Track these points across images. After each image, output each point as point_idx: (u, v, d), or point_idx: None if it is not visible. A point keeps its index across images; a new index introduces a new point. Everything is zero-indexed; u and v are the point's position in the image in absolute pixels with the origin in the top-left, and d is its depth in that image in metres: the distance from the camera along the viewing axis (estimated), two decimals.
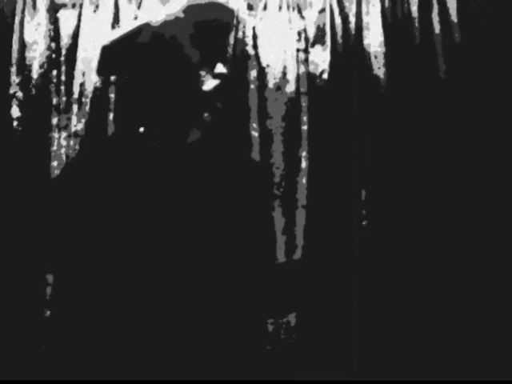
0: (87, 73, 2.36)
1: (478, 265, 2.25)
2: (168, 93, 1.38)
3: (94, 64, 2.34)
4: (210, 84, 1.39)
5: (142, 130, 1.43)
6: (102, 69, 1.43)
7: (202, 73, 1.39)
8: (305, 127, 2.34)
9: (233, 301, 1.39)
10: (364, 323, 2.23)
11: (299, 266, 2.14)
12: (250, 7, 2.41)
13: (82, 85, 2.35)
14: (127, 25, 1.45)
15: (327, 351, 2.22)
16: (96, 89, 2.35)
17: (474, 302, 2.24)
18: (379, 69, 2.34)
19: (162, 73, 1.37)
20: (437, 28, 2.34)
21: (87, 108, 2.34)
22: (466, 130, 2.30)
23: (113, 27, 2.37)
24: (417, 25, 2.34)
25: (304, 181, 2.31)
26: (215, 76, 1.40)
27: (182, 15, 1.39)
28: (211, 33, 1.41)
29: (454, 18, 2.34)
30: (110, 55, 1.39)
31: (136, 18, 2.35)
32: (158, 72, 1.37)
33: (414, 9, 2.36)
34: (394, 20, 2.36)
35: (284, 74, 2.37)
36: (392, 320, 2.24)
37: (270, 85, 2.36)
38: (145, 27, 1.38)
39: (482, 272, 2.24)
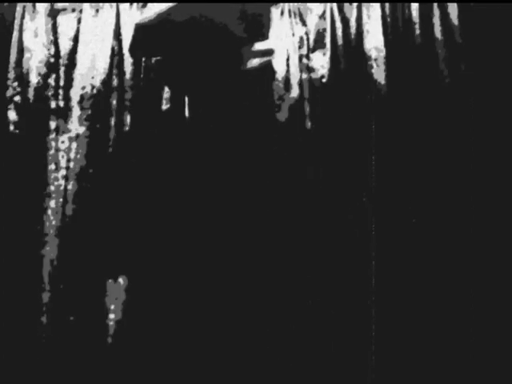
0: (87, 77, 2.35)
1: (482, 272, 2.25)
2: (212, 72, 1.33)
3: (97, 66, 2.33)
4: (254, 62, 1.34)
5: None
6: (137, 49, 1.38)
7: (247, 50, 1.34)
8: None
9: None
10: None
11: None
12: None
13: (82, 88, 2.34)
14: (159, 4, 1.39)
15: None
16: (96, 93, 2.33)
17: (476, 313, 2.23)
18: (379, 73, 2.34)
19: (203, 52, 1.32)
20: (437, 32, 2.35)
21: (88, 112, 2.32)
22: (467, 133, 2.30)
23: (115, 34, 2.36)
24: (417, 29, 2.35)
25: None
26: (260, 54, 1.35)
27: None
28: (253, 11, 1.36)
29: (454, 22, 2.34)
30: (147, 35, 1.34)
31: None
32: (199, 51, 1.32)
33: (415, 14, 2.37)
34: (394, 25, 2.37)
35: (287, 79, 2.36)
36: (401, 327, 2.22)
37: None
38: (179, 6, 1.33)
39: (485, 276, 2.24)
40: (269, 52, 1.39)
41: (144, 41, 1.36)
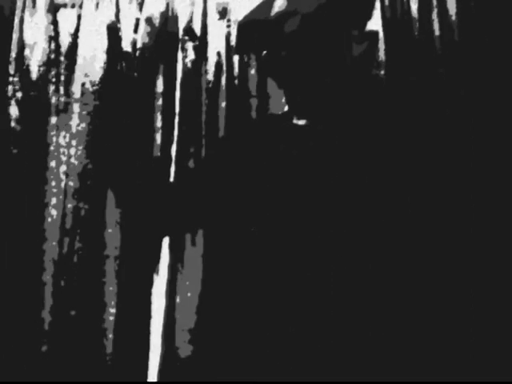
0: (87, 73, 2.36)
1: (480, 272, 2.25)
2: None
3: (98, 61, 2.34)
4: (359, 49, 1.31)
5: None
6: (242, 46, 1.36)
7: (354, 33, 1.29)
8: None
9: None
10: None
11: None
12: None
13: (83, 84, 2.35)
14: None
15: None
16: (97, 88, 2.34)
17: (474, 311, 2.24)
18: (379, 70, 2.34)
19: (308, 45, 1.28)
20: (436, 28, 2.33)
21: (89, 107, 2.33)
22: (467, 131, 2.30)
23: (115, 30, 2.37)
24: (416, 25, 2.34)
25: None
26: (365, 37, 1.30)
27: None
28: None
29: (453, 18, 2.33)
30: (249, 32, 1.32)
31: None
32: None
33: (414, 9, 2.35)
34: (393, 20, 2.35)
35: None
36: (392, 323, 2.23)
37: None
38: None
39: (485, 276, 2.24)
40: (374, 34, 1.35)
41: (249, 37, 1.34)
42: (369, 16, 1.36)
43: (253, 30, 1.33)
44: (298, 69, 1.32)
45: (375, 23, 1.26)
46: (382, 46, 2.34)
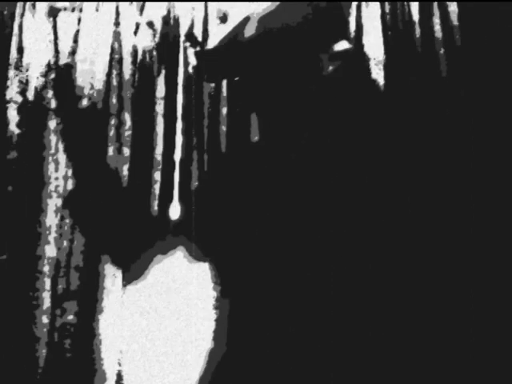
0: (86, 76, 2.35)
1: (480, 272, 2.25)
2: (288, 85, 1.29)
3: (97, 65, 2.34)
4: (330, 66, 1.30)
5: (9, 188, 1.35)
6: (212, 75, 1.36)
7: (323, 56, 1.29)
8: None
9: None
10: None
11: None
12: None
13: (82, 88, 2.34)
14: (232, 23, 1.36)
15: None
16: (96, 92, 2.33)
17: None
18: (378, 73, 2.35)
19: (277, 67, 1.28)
20: (438, 32, 2.35)
21: (87, 111, 2.32)
22: (468, 134, 2.31)
23: (113, 36, 2.37)
24: (417, 29, 2.35)
25: None
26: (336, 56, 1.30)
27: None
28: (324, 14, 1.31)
29: (455, 22, 2.34)
30: (217, 59, 1.32)
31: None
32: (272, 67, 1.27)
33: (415, 13, 2.37)
34: (394, 24, 2.37)
35: None
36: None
37: None
38: (248, 21, 1.29)
39: (486, 276, 2.24)
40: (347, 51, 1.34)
41: (217, 65, 1.33)
42: (343, 35, 1.36)
43: (223, 56, 1.33)
44: (270, 93, 1.32)
45: (346, 42, 1.26)
46: (381, 50, 2.36)
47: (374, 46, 2.35)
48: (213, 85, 2.28)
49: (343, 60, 1.33)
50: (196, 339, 2.07)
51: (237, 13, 2.33)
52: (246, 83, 1.32)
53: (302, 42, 1.28)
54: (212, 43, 1.29)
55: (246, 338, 1.35)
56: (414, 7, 2.36)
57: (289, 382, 1.33)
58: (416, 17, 2.35)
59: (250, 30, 1.28)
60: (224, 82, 2.28)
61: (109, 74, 2.34)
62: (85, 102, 2.31)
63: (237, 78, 1.32)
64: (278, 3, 1.29)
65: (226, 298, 1.39)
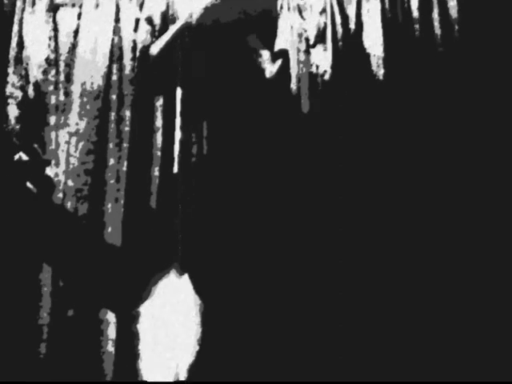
0: (87, 72, 2.35)
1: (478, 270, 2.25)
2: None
3: (97, 60, 2.34)
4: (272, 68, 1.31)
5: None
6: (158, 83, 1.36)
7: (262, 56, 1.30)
8: None
9: None
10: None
11: None
12: None
13: (82, 83, 2.34)
14: (169, 30, 1.37)
15: None
16: (96, 88, 2.33)
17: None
18: (378, 68, 2.34)
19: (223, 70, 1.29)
20: (437, 28, 2.34)
21: (88, 107, 2.32)
22: (466, 130, 2.31)
23: (113, 31, 2.37)
24: (417, 25, 2.34)
25: None
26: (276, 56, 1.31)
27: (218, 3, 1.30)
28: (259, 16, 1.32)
29: (454, 17, 2.34)
30: (159, 64, 1.32)
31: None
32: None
33: (414, 9, 2.36)
34: (393, 20, 2.36)
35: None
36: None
37: None
38: (186, 28, 1.30)
39: (486, 276, 2.24)
40: (283, 53, 1.36)
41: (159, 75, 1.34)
42: (274, 35, 1.37)
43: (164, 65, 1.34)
44: (214, 97, 1.33)
45: (284, 41, 1.25)
46: (380, 46, 2.36)
47: (374, 41, 2.35)
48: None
49: (283, 59, 1.35)
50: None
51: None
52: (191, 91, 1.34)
53: (238, 43, 1.30)
54: (156, 49, 1.30)
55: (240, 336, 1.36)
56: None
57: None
58: (415, 13, 2.35)
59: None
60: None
61: (109, 70, 2.34)
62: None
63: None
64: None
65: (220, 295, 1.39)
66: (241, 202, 1.44)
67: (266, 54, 1.33)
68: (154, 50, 1.33)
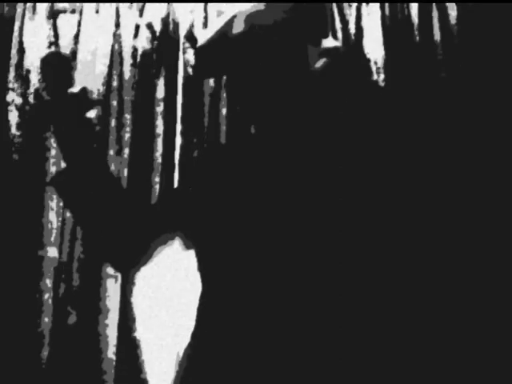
0: (87, 78, 2.35)
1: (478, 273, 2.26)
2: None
3: (97, 66, 2.34)
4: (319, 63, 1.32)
5: None
6: (201, 71, 1.37)
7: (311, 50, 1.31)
8: None
9: None
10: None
11: None
12: None
13: (82, 90, 2.34)
14: (216, 22, 1.38)
15: None
16: (96, 94, 2.34)
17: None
18: (379, 75, 2.34)
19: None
20: (437, 34, 2.34)
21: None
22: (466, 135, 2.31)
23: (114, 37, 2.37)
24: (416, 31, 2.34)
25: None
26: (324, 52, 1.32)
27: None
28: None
29: (453, 23, 2.34)
30: (207, 56, 1.33)
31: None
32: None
33: (414, 15, 2.36)
34: (393, 26, 2.36)
35: None
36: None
37: None
38: (235, 19, 1.31)
39: (486, 276, 2.25)
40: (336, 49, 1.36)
41: (208, 62, 1.35)
42: (325, 33, 1.38)
43: (212, 54, 1.34)
44: (259, 89, 1.34)
45: (333, 40, 1.27)
46: (381, 52, 2.36)
47: (374, 47, 2.35)
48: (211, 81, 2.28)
49: (332, 57, 1.35)
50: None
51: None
52: (236, 80, 1.34)
53: (289, 37, 1.31)
54: (202, 40, 1.30)
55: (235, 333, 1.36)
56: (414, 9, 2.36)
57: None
58: (415, 19, 2.35)
59: (237, 27, 1.31)
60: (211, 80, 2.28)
61: (109, 76, 2.35)
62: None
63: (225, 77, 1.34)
64: (265, 3, 1.32)
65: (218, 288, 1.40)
66: (242, 204, 1.44)
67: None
68: (202, 40, 1.34)
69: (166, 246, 1.56)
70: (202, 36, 1.30)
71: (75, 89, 1.32)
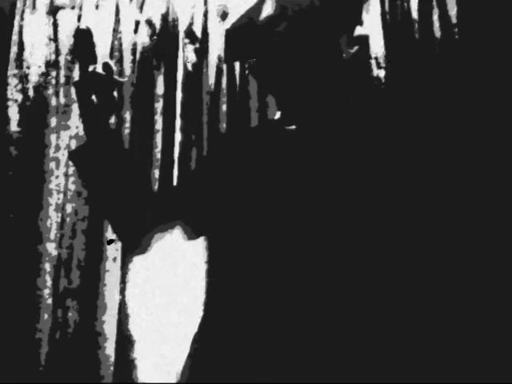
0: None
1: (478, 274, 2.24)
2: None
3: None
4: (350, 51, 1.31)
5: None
6: (229, 55, 1.35)
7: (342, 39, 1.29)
8: None
9: None
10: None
11: None
12: None
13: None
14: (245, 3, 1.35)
15: None
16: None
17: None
18: (379, 71, 2.34)
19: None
20: (437, 30, 2.33)
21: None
22: (467, 132, 2.30)
23: (113, 33, 2.36)
24: (417, 27, 2.33)
25: None
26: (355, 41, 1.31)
27: None
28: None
29: (454, 20, 2.33)
30: (237, 39, 1.32)
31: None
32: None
33: (414, 11, 2.35)
34: (393, 22, 2.35)
35: None
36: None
37: None
38: (265, 2, 1.30)
39: (485, 276, 2.23)
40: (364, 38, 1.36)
41: (235, 45, 1.33)
42: (358, 20, 1.36)
43: (241, 37, 1.33)
44: (288, 74, 1.32)
45: (365, 28, 1.25)
46: (381, 48, 2.35)
47: (374, 43, 2.34)
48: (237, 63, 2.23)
49: (360, 45, 1.34)
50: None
51: (236, 11, 2.32)
52: (263, 63, 1.33)
53: (319, 23, 1.29)
54: (229, 23, 1.30)
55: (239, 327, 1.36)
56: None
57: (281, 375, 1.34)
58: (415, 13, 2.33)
59: (267, 10, 1.29)
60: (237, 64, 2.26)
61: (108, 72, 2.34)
62: None
63: (254, 60, 1.32)
64: None
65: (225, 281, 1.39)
66: (242, 201, 1.43)
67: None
68: (228, 24, 1.34)
69: (166, 233, 1.56)
70: (233, 17, 1.28)
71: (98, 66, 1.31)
